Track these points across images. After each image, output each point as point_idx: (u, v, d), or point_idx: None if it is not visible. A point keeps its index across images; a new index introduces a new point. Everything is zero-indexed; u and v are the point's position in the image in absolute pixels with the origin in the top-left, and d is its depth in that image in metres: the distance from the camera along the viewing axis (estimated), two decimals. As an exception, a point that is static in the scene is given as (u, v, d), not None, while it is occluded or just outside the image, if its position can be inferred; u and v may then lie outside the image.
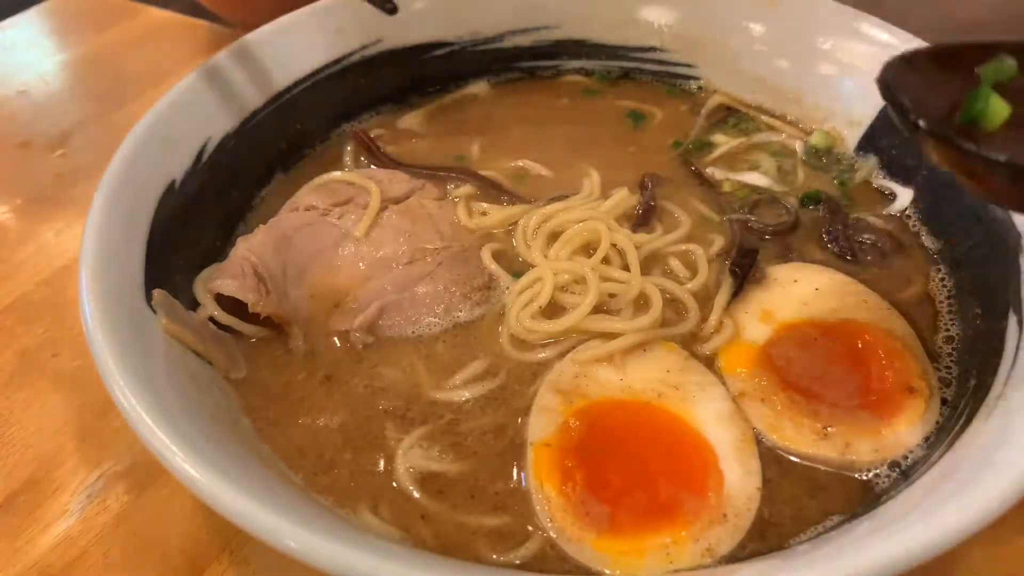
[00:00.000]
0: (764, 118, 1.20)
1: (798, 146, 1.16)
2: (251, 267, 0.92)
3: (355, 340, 0.92)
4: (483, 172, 1.12)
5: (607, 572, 0.72)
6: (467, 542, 0.76)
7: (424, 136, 1.21)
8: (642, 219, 1.03)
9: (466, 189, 1.10)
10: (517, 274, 0.98)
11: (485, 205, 1.08)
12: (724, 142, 1.17)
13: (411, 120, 1.23)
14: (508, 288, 0.97)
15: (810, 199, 1.07)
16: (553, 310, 0.93)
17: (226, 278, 0.91)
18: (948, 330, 0.92)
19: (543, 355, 0.90)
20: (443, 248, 1.00)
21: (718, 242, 1.01)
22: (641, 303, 0.92)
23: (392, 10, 1.01)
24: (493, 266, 0.99)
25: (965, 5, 1.39)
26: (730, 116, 1.21)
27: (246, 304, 0.90)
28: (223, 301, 0.91)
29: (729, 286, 0.95)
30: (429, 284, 0.96)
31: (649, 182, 1.08)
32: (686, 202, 1.08)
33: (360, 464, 0.82)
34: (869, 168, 1.11)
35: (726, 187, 1.10)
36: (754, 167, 1.13)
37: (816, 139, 1.15)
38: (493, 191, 1.09)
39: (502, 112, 1.25)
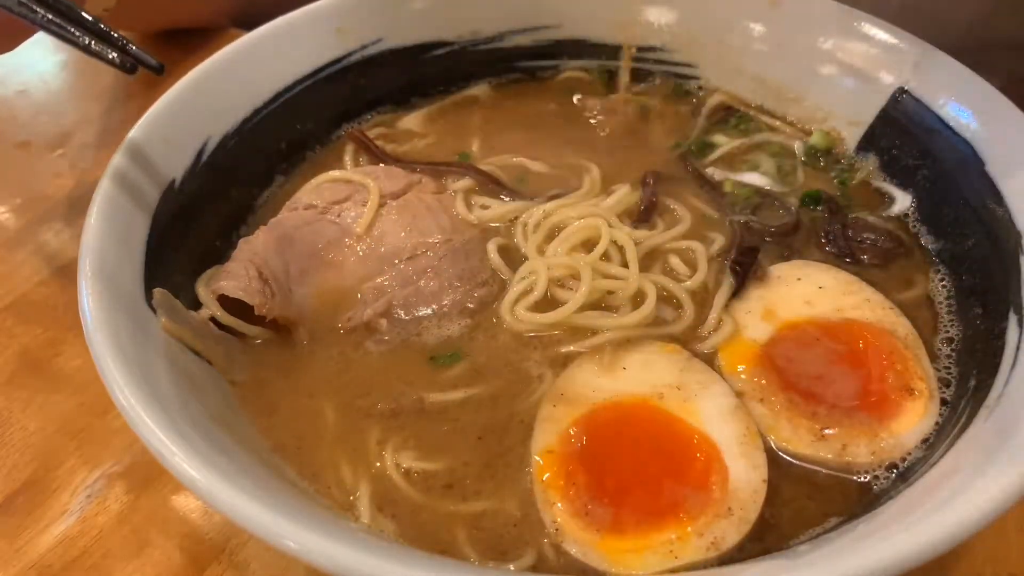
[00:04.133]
0: (764, 118, 1.20)
1: (797, 146, 1.16)
2: (255, 269, 0.92)
3: (375, 337, 0.92)
4: (482, 167, 1.12)
5: (610, 571, 0.72)
6: (465, 542, 0.76)
7: (425, 136, 1.21)
8: (643, 215, 1.03)
9: (465, 182, 1.10)
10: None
11: (485, 199, 1.08)
12: (724, 142, 1.16)
13: (412, 121, 1.23)
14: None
15: (811, 199, 1.07)
16: (551, 305, 0.93)
17: (230, 280, 0.91)
18: (948, 331, 0.92)
19: (543, 366, 0.89)
20: (444, 241, 1.00)
21: (719, 240, 1.01)
22: (639, 300, 0.92)
23: (132, 69, 0.88)
24: (496, 259, 0.99)
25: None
26: (730, 116, 1.21)
27: (248, 306, 0.89)
28: (225, 302, 0.91)
29: (729, 285, 0.95)
30: (433, 279, 0.96)
31: (650, 179, 1.08)
32: (687, 200, 1.08)
33: (357, 463, 0.82)
34: (869, 168, 1.11)
35: (727, 187, 1.10)
36: (754, 167, 1.13)
37: (816, 139, 1.15)
38: (492, 186, 1.09)
39: (503, 112, 1.24)
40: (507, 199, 1.08)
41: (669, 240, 1.01)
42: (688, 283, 0.96)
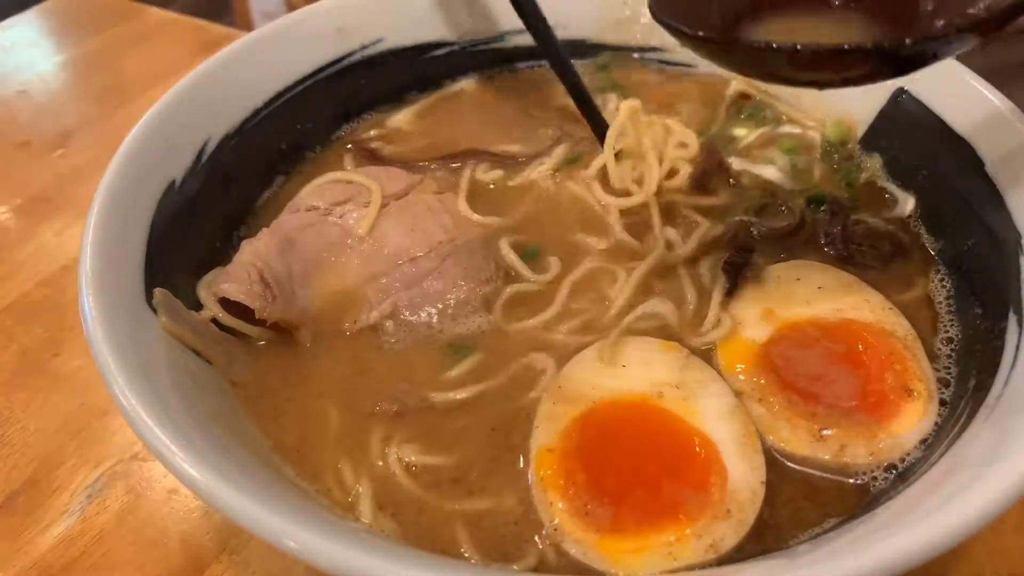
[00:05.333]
0: (781, 106, 1.19)
1: (816, 139, 1.15)
2: (257, 272, 0.92)
3: (381, 338, 0.92)
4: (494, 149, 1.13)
5: (609, 571, 0.72)
6: (467, 542, 0.76)
7: (417, 133, 1.21)
8: (701, 179, 1.04)
9: (484, 170, 1.11)
10: (532, 253, 1.00)
11: (497, 172, 1.10)
12: (744, 135, 1.16)
13: (400, 119, 1.23)
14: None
15: (814, 201, 1.07)
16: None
17: (232, 282, 0.91)
18: (947, 331, 0.92)
19: (547, 362, 0.89)
20: (447, 241, 1.00)
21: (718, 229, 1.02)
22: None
23: None
24: (512, 257, 0.99)
25: None
26: (745, 105, 1.21)
27: (251, 308, 0.89)
28: (227, 304, 0.91)
29: (722, 283, 0.95)
30: (438, 279, 0.96)
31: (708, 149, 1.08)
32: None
33: (358, 463, 0.82)
34: (875, 168, 1.10)
35: (744, 180, 1.09)
36: (769, 162, 1.12)
37: (830, 131, 1.14)
38: (510, 161, 1.11)
39: (494, 105, 1.24)
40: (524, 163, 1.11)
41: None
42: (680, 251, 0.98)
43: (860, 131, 1.12)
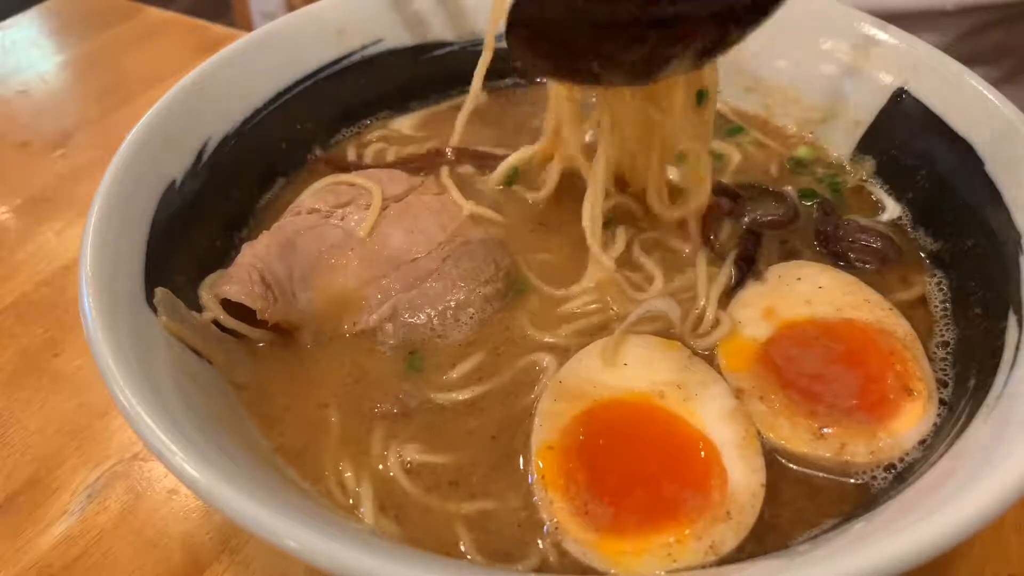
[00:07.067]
0: (755, 133, 1.20)
1: (784, 161, 1.16)
2: (258, 274, 0.92)
3: (380, 339, 0.92)
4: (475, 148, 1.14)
5: (610, 571, 0.72)
6: (469, 542, 0.76)
7: (419, 141, 1.21)
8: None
9: (462, 168, 1.12)
10: None
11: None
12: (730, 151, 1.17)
13: (404, 123, 1.24)
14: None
15: (806, 195, 1.07)
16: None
17: (233, 284, 0.91)
18: (947, 332, 0.92)
19: (549, 360, 0.90)
20: (447, 242, 1.00)
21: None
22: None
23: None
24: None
25: None
26: (724, 124, 1.22)
27: (252, 310, 0.90)
28: (228, 306, 0.91)
29: (727, 276, 0.96)
30: (438, 280, 0.96)
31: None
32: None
33: (359, 465, 0.82)
34: (866, 170, 1.11)
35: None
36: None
37: (801, 152, 1.16)
38: (490, 160, 1.12)
39: (497, 117, 1.24)
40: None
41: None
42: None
43: (860, 131, 1.12)
